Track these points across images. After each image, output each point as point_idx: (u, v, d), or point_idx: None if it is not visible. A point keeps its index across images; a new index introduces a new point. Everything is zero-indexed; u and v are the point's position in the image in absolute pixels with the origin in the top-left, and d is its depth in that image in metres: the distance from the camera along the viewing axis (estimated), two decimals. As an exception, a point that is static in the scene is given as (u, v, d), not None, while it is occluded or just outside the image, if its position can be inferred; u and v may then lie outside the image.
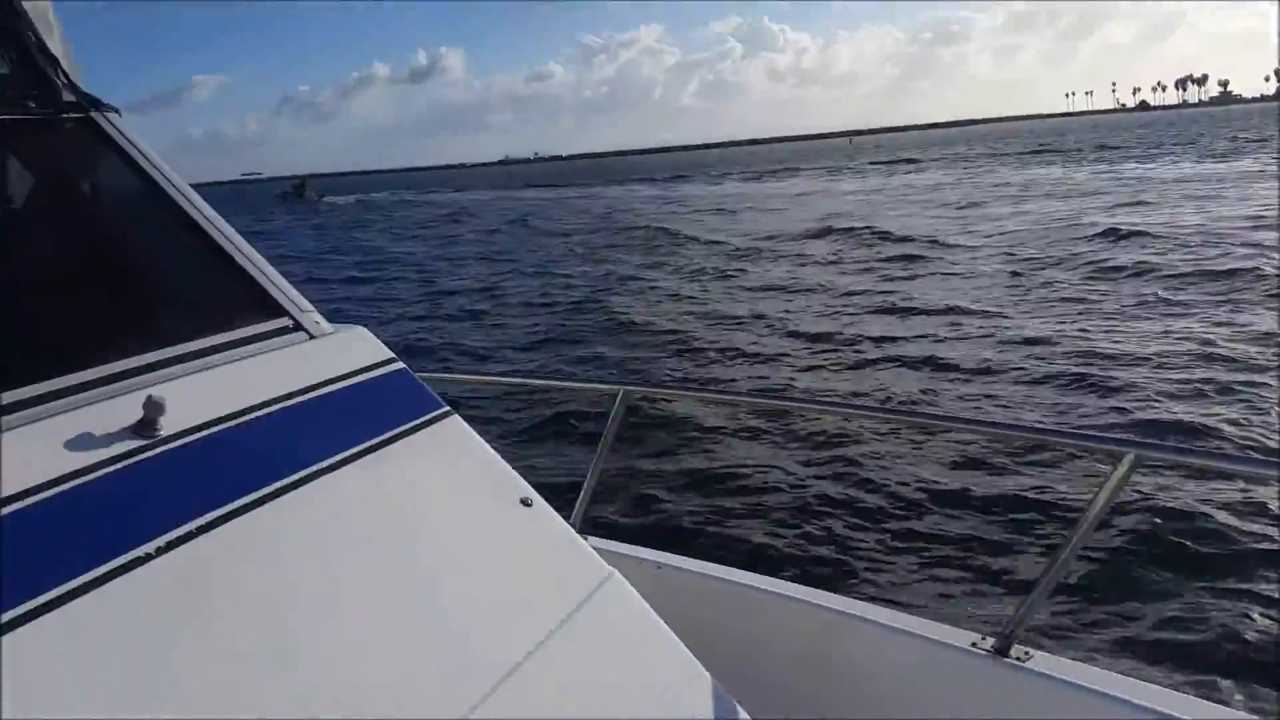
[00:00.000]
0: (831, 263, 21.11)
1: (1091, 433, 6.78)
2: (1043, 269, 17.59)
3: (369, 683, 1.35)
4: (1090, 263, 17.44)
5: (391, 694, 1.35)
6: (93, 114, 1.93)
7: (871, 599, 2.48)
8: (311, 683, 1.31)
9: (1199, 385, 9.14)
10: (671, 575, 2.65)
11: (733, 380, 11.27)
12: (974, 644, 2.18)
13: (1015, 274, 17.24)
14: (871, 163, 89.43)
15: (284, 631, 1.35)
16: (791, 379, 11.04)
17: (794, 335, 13.52)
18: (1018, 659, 2.10)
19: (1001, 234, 23.76)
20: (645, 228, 33.87)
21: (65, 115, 1.90)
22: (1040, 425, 8.25)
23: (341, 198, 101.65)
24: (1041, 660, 2.11)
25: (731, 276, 20.44)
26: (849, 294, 16.60)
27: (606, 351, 13.75)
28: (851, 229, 26.57)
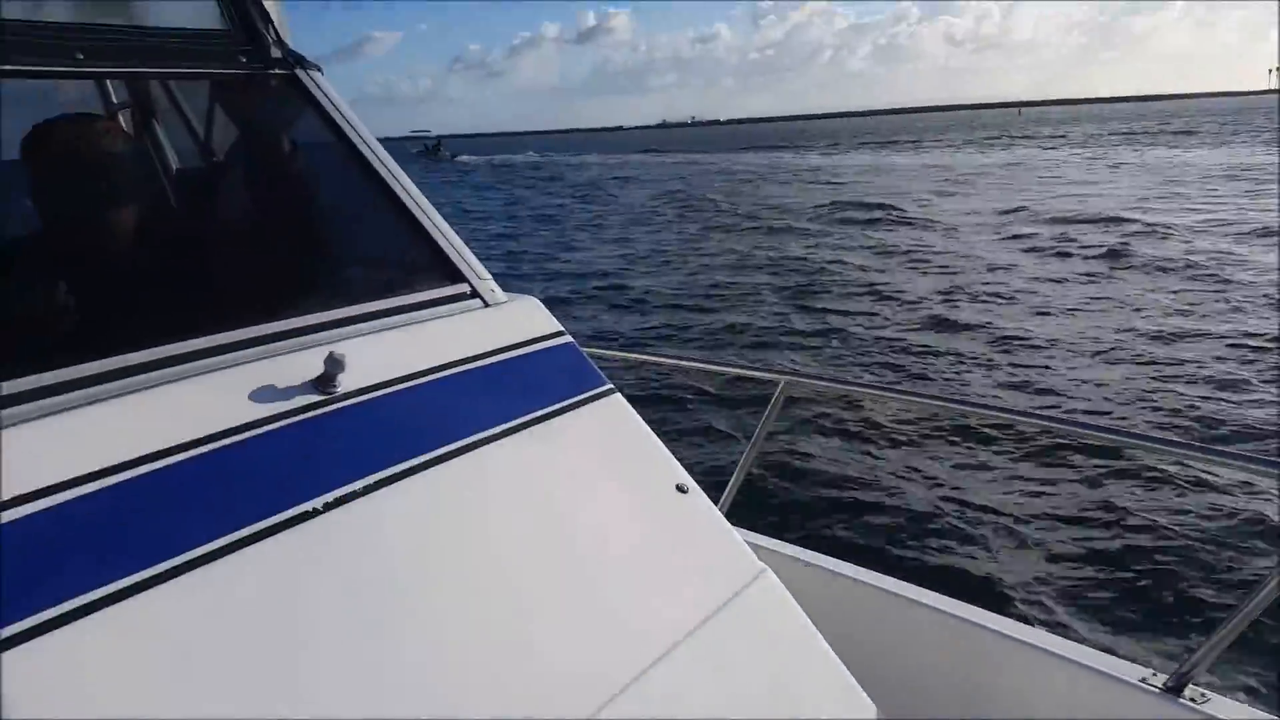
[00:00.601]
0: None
1: None
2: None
3: (513, 657, 1.35)
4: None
5: (535, 671, 1.35)
6: (298, 71, 2.00)
7: (1031, 622, 2.30)
8: (456, 649, 1.32)
9: None
10: (817, 574, 2.57)
11: (901, 370, 10.82)
12: (1144, 679, 2.01)
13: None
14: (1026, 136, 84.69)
15: (436, 596, 1.37)
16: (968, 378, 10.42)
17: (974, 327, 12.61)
18: (1192, 700, 1.93)
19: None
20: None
21: (273, 72, 1.97)
22: (1241, 452, 7.48)
23: (475, 157, 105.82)
24: (1220, 704, 1.93)
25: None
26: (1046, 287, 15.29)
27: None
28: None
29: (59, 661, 1.04)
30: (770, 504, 6.78)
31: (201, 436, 1.34)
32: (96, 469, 1.22)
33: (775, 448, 7.66)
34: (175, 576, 1.17)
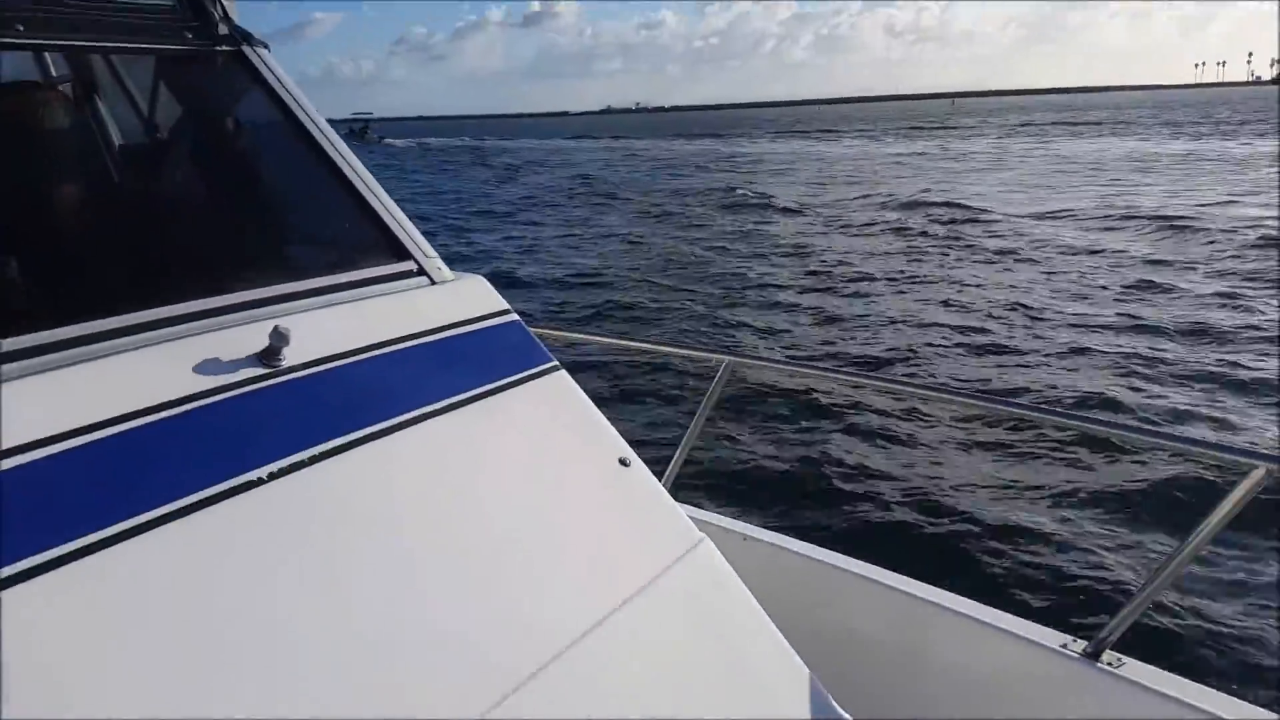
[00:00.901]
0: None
1: (1221, 441, 6.43)
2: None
3: (453, 623, 1.38)
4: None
5: (475, 636, 1.38)
6: (244, 48, 1.99)
7: (960, 591, 2.41)
8: (401, 615, 1.35)
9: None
10: (757, 548, 2.64)
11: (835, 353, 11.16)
12: (1064, 645, 2.12)
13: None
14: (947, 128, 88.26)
15: (380, 564, 1.40)
16: (902, 359, 10.83)
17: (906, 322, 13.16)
18: (1109, 664, 2.04)
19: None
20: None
21: (219, 48, 1.95)
22: (1165, 430, 7.86)
23: (401, 140, 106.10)
24: (1134, 668, 2.04)
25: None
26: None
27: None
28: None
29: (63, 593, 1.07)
30: (712, 481, 6.90)
31: (147, 406, 1.35)
32: (40, 437, 1.23)
33: (718, 426, 7.79)
34: (120, 542, 1.18)
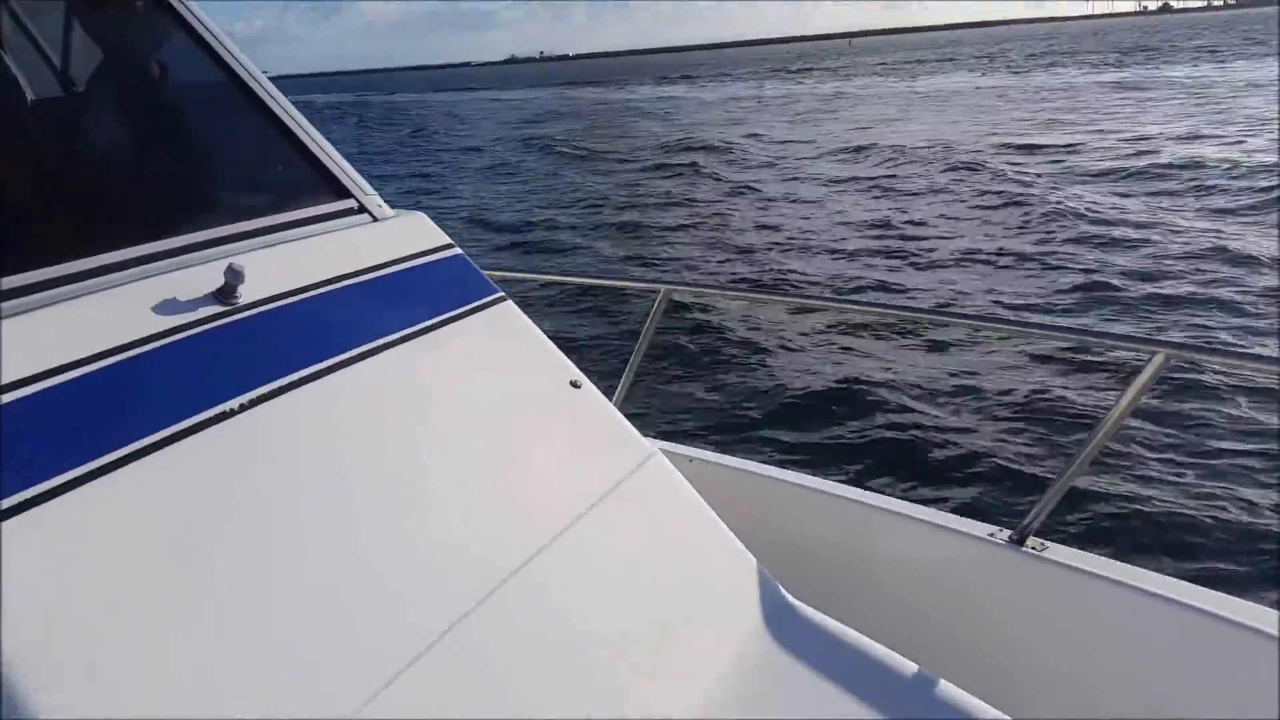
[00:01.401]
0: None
1: (1122, 331, 6.77)
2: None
3: (416, 543, 1.44)
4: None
5: (435, 555, 1.44)
6: None
7: (895, 493, 2.55)
8: (365, 535, 1.40)
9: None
10: (705, 469, 2.73)
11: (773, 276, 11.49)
12: (992, 534, 2.26)
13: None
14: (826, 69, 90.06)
15: (350, 489, 1.44)
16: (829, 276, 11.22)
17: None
18: (1033, 549, 2.18)
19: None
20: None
21: None
22: (1068, 325, 8.34)
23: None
24: (1057, 551, 2.19)
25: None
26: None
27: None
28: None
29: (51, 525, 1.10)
30: (657, 409, 7.04)
31: (110, 348, 1.36)
32: (12, 379, 1.23)
33: (659, 356, 7.97)
34: (101, 476, 1.21)
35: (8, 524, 1.09)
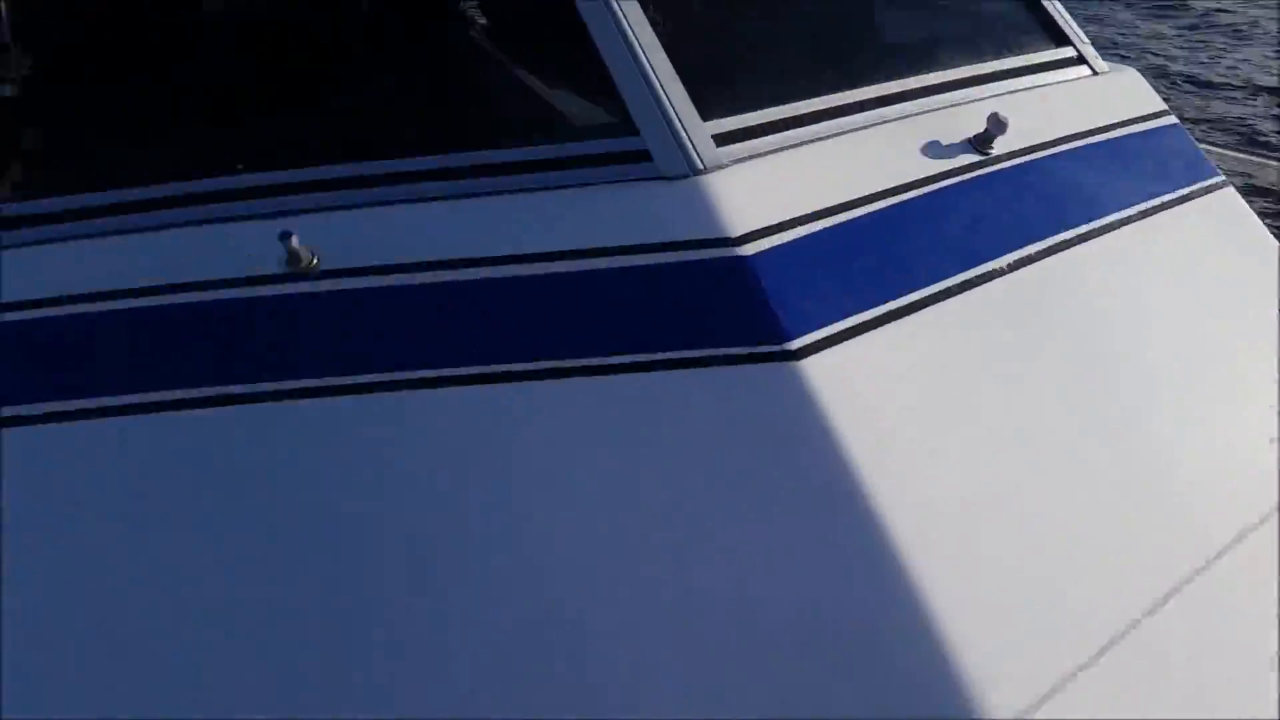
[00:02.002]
0: None
1: None
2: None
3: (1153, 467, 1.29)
4: None
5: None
6: None
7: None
8: (1142, 425, 1.30)
9: None
10: None
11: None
12: None
13: None
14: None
15: (1105, 367, 1.34)
16: None
17: None
18: None
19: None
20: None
21: None
22: None
23: None
24: None
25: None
26: None
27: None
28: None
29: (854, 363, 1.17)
30: None
31: (885, 189, 1.35)
32: (797, 215, 1.27)
33: None
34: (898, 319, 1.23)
35: (813, 358, 1.14)
